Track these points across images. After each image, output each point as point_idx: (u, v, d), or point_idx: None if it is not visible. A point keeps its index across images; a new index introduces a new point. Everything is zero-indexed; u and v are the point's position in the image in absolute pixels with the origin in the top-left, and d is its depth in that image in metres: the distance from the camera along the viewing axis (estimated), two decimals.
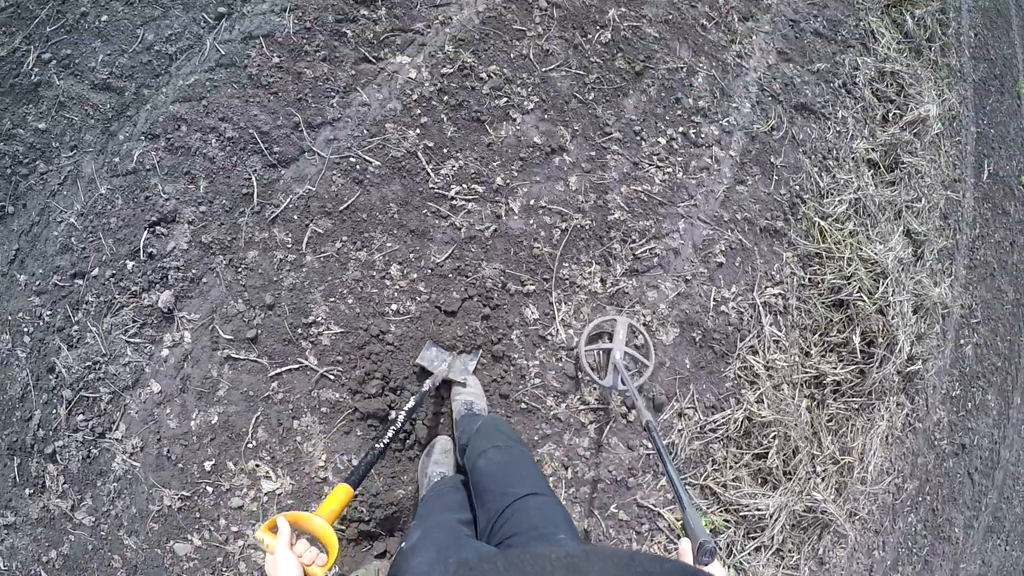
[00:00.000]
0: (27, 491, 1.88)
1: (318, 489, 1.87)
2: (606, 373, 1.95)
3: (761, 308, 2.27)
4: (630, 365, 2.00)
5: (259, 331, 1.90)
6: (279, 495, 1.85)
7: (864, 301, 2.34)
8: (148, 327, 1.88)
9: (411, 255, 1.98)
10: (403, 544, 0.99)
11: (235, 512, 1.84)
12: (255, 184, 1.95)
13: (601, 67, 2.26)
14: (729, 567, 2.10)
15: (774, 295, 2.31)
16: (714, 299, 2.21)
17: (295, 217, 1.97)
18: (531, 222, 2.06)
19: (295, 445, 1.87)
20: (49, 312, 1.89)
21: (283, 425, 1.87)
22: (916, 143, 2.81)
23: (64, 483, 1.86)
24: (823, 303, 2.39)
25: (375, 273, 1.96)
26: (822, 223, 2.43)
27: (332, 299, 1.93)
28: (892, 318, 2.37)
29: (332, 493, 0.96)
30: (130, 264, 1.90)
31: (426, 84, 2.09)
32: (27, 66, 1.96)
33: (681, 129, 2.31)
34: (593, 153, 2.17)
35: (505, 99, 2.12)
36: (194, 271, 1.91)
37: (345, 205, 1.98)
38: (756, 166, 2.41)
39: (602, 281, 2.09)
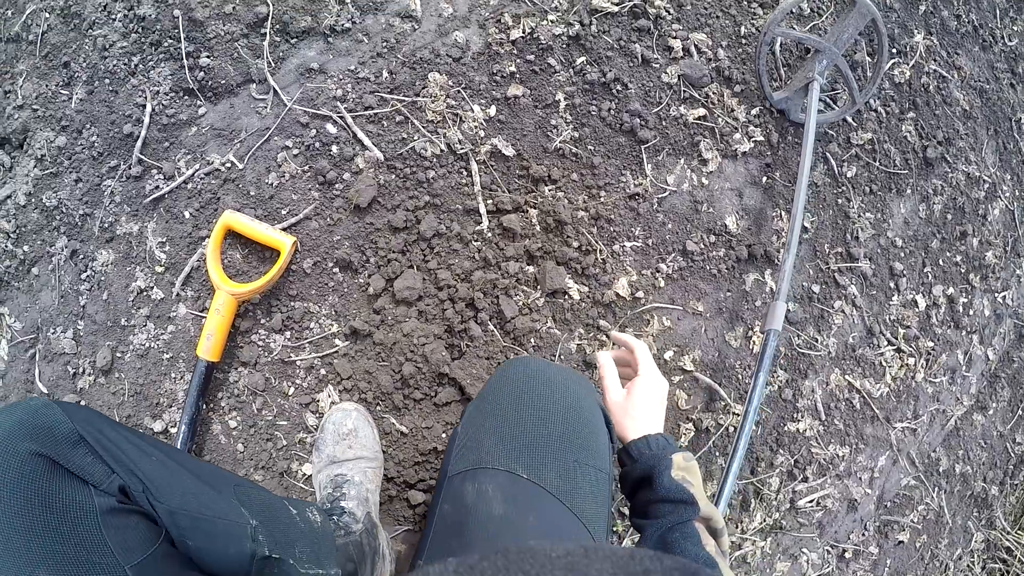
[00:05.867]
0: None
1: None
2: (788, 87, 1.01)
3: None
4: (828, 87, 1.05)
5: (84, 399, 0.80)
6: None
7: None
8: None
9: (365, 380, 0.86)
10: None
11: None
12: (147, 119, 0.78)
13: (883, 125, 1.14)
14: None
15: None
16: None
17: (187, 213, 0.81)
18: None
19: None
20: None
21: None
22: None
23: None
24: None
25: (297, 392, 0.84)
26: None
27: (213, 407, 0.80)
28: None
29: None
30: None
31: (549, 19, 0.90)
32: None
33: (950, 290, 1.25)
34: (817, 288, 1.07)
35: (703, 111, 0.97)
36: (27, 248, 0.82)
37: (287, 224, 0.82)
38: (1009, 387, 1.41)
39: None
